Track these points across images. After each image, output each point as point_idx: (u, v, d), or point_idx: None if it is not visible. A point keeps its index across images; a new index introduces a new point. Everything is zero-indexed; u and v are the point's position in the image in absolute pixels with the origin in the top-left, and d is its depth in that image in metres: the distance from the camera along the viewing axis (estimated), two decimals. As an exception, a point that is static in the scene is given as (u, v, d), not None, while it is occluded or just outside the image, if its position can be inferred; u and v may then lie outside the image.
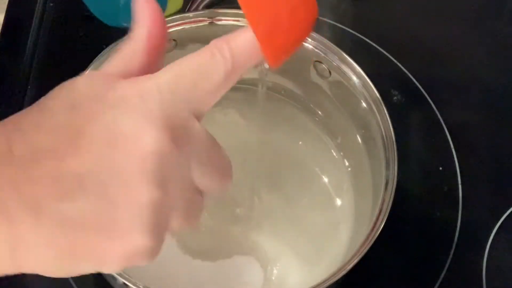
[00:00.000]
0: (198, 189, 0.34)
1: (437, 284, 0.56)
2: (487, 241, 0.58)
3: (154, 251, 0.32)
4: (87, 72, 0.34)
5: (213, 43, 0.33)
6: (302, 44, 0.36)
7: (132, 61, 0.34)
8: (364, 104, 0.53)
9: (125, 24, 0.35)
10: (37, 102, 0.32)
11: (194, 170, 0.33)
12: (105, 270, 0.32)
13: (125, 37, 0.35)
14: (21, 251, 0.30)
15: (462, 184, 0.61)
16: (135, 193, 0.30)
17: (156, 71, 0.33)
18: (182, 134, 0.32)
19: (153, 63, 0.34)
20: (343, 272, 0.45)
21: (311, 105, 0.61)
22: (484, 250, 0.58)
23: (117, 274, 0.45)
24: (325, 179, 0.59)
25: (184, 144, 0.32)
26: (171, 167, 0.31)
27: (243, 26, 0.57)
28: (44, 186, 0.29)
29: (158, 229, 0.31)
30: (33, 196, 0.29)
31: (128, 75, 0.33)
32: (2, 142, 0.30)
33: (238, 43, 0.33)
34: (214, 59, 0.32)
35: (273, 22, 0.33)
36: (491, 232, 0.59)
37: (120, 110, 0.31)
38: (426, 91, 0.66)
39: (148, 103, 0.31)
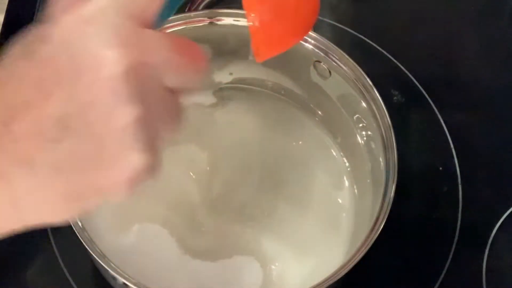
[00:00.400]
0: (171, 90, 0.33)
1: (437, 284, 0.56)
2: (487, 241, 0.58)
3: (155, 165, 0.31)
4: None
5: None
6: (295, 44, 0.35)
7: None
8: (364, 104, 0.53)
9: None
10: None
11: (163, 73, 0.32)
12: (114, 199, 0.32)
13: None
14: (23, 204, 0.30)
15: (462, 184, 0.61)
16: (117, 117, 0.29)
17: None
18: (139, 43, 0.30)
19: None
20: (343, 272, 0.45)
21: (311, 105, 0.61)
22: (484, 250, 0.58)
23: (117, 274, 0.45)
24: (325, 179, 0.59)
25: (145, 52, 0.31)
26: (141, 79, 0.30)
27: (243, 26, 0.57)
28: (28, 138, 0.29)
29: (150, 143, 0.31)
30: (20, 150, 0.29)
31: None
32: None
33: None
34: None
35: (263, 19, 0.33)
36: (491, 232, 0.59)
37: (71, 44, 0.30)
38: (426, 91, 0.66)
39: (95, 27, 0.30)
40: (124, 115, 0.29)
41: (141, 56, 0.30)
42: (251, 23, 0.33)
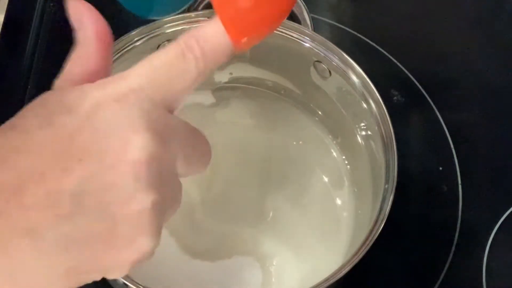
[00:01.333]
0: (178, 175, 0.33)
1: (437, 284, 0.56)
2: (487, 241, 0.58)
3: (156, 246, 0.32)
4: (54, 86, 0.33)
5: (182, 40, 0.32)
6: (274, 31, 0.35)
7: (88, 64, 0.33)
8: (364, 104, 0.53)
9: (157, 16, 0.34)
10: (6, 124, 0.31)
11: (178, 161, 0.32)
12: (113, 276, 0.31)
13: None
14: (22, 278, 0.29)
15: (462, 184, 0.61)
16: (135, 202, 0.30)
17: (109, 71, 0.33)
18: (164, 131, 0.31)
19: (107, 63, 0.34)
20: (343, 272, 0.45)
21: (311, 105, 0.61)
22: (484, 250, 0.58)
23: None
24: (325, 179, 0.59)
25: (168, 140, 0.31)
26: (161, 167, 0.31)
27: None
28: (38, 211, 0.28)
29: (159, 228, 0.31)
30: (28, 223, 0.28)
31: (88, 79, 0.32)
32: None
33: (208, 40, 0.32)
34: (186, 59, 0.32)
35: (238, 6, 0.33)
36: (491, 232, 0.59)
37: (98, 120, 0.30)
38: (426, 91, 0.66)
39: (126, 108, 0.30)
40: (142, 200, 0.30)
41: (165, 144, 0.31)
42: (223, 10, 0.32)
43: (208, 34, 0.33)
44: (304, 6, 0.58)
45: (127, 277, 0.45)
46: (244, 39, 0.33)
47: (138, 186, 0.30)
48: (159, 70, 0.32)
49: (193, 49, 0.32)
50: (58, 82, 0.33)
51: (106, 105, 0.30)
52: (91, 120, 0.30)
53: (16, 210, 0.28)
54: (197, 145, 0.34)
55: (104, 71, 0.34)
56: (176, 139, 0.32)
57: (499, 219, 0.60)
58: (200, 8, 0.61)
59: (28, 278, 0.29)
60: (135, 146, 0.30)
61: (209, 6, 0.61)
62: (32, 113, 0.31)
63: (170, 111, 0.32)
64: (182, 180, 0.33)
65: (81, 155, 0.29)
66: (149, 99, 0.31)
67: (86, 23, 0.34)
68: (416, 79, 0.67)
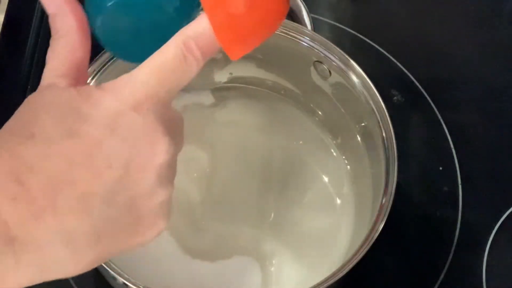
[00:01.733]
0: None
1: (437, 284, 0.56)
2: (487, 241, 0.58)
3: None
4: (45, 87, 0.34)
5: (181, 41, 0.33)
6: (269, 38, 0.35)
7: (74, 56, 0.34)
8: (364, 104, 0.53)
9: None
10: (16, 132, 0.32)
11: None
12: (131, 251, 0.34)
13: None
14: (52, 270, 0.31)
15: (462, 184, 0.61)
16: (157, 196, 0.33)
17: (88, 64, 0.35)
18: (173, 128, 0.34)
19: (88, 54, 0.35)
20: (343, 272, 0.45)
21: (311, 105, 0.61)
22: (484, 250, 0.58)
23: (117, 274, 0.45)
24: (325, 179, 0.59)
25: (175, 135, 0.34)
26: (174, 161, 0.34)
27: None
28: (71, 214, 0.31)
29: (171, 209, 0.35)
30: (62, 225, 0.30)
31: (76, 73, 0.34)
32: (12, 181, 0.30)
33: (206, 39, 0.33)
34: (187, 61, 0.33)
35: (229, 14, 0.33)
36: (491, 232, 0.59)
37: (121, 130, 0.32)
38: (426, 91, 0.66)
39: (143, 114, 0.32)
40: (163, 194, 0.33)
41: (175, 140, 0.34)
42: (214, 19, 0.33)
43: (205, 34, 0.33)
44: (304, 6, 0.58)
45: (127, 276, 0.45)
46: (237, 47, 0.34)
47: (161, 182, 0.33)
48: (165, 72, 0.33)
49: (192, 51, 0.33)
50: (49, 78, 0.34)
51: (124, 114, 0.32)
52: (113, 129, 0.32)
53: (51, 214, 0.30)
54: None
55: (87, 62, 0.35)
56: (178, 130, 0.35)
57: (499, 219, 0.60)
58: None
59: (58, 269, 0.31)
60: (160, 151, 0.33)
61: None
62: (49, 122, 0.31)
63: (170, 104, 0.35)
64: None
65: (109, 162, 0.31)
66: (160, 102, 0.33)
67: (65, 10, 0.34)
68: (416, 79, 0.67)
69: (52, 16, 0.34)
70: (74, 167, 0.31)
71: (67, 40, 0.34)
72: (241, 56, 0.35)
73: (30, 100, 0.33)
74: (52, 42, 0.34)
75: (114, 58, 0.52)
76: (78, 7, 0.34)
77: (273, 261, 0.55)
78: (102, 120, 0.32)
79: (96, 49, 0.35)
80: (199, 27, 0.33)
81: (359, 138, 0.56)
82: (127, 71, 0.33)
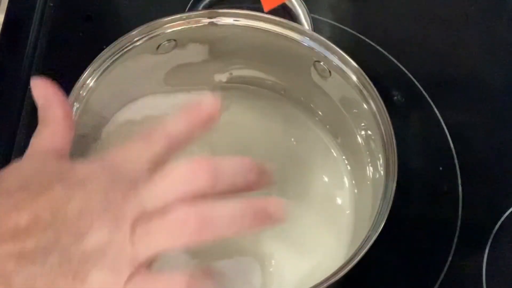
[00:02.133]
0: None
1: (437, 284, 0.56)
2: (487, 241, 0.58)
3: None
4: (31, 153, 0.38)
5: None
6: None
7: (57, 141, 0.39)
8: (364, 104, 0.53)
9: None
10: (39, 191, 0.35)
11: None
12: None
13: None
14: None
15: (462, 184, 0.61)
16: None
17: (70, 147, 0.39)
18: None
19: (70, 141, 0.39)
20: (343, 272, 0.45)
21: (311, 105, 0.61)
22: (484, 250, 0.58)
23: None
24: (325, 179, 0.59)
25: None
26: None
27: (243, 26, 0.57)
28: (88, 259, 0.34)
29: None
30: (76, 271, 0.33)
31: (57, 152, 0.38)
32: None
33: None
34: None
35: None
36: (491, 232, 0.59)
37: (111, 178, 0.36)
38: (426, 91, 0.66)
39: (133, 168, 0.38)
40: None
41: None
42: None
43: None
44: (304, 6, 0.58)
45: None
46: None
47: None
48: None
49: None
50: (34, 152, 0.38)
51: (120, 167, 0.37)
52: (106, 182, 0.36)
53: (65, 264, 0.33)
54: None
55: (68, 148, 0.39)
56: None
57: (499, 219, 0.60)
58: (200, 8, 0.61)
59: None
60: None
61: (209, 6, 0.61)
62: (58, 186, 0.35)
63: None
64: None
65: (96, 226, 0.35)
66: (144, 159, 0.40)
67: (56, 103, 0.39)
68: (416, 79, 0.67)
69: (41, 106, 0.39)
70: (96, 206, 0.35)
71: (52, 129, 0.39)
72: (274, 6, 0.37)
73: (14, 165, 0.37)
74: (39, 127, 0.39)
75: (114, 58, 0.52)
76: (65, 101, 0.40)
77: (273, 261, 0.55)
78: (99, 177, 0.35)
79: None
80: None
81: (359, 138, 0.56)
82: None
